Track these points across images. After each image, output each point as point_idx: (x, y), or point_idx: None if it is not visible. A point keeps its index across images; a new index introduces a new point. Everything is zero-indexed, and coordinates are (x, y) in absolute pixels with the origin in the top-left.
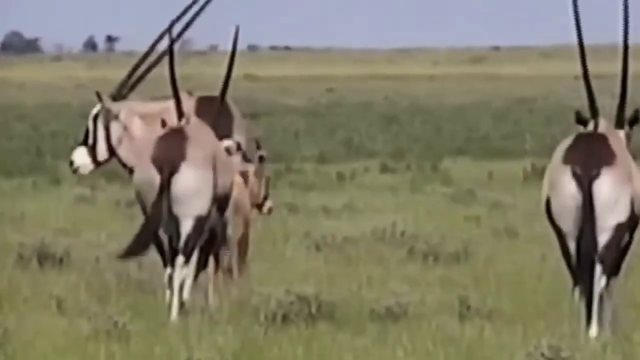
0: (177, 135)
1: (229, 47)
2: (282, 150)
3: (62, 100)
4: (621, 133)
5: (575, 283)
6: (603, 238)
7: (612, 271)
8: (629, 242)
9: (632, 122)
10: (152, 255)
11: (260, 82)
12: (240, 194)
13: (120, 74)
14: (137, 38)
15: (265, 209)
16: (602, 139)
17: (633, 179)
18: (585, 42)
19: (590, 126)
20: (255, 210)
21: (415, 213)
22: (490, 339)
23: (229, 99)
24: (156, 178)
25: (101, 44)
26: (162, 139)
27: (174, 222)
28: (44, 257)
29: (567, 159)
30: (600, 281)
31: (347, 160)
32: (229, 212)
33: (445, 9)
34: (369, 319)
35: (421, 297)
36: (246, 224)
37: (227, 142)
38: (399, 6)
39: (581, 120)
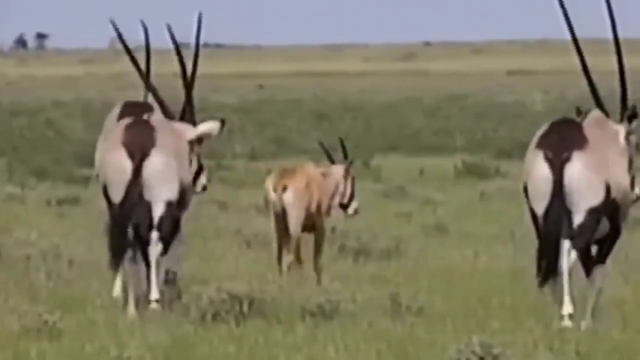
0: (144, 124)
1: (162, 45)
2: (213, 147)
3: None
4: (621, 127)
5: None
6: (576, 220)
7: (598, 259)
8: (615, 232)
9: (630, 118)
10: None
11: None
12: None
13: (51, 71)
14: (67, 35)
15: (351, 209)
16: (575, 125)
17: (611, 166)
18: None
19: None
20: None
21: None
22: (422, 336)
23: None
24: (126, 162)
25: (31, 41)
26: (130, 126)
27: (145, 207)
28: None
29: (540, 144)
30: (569, 261)
31: (278, 157)
32: (294, 205)
33: (376, 4)
34: (300, 317)
35: (352, 295)
36: (315, 218)
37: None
38: (329, 1)
39: (580, 113)
